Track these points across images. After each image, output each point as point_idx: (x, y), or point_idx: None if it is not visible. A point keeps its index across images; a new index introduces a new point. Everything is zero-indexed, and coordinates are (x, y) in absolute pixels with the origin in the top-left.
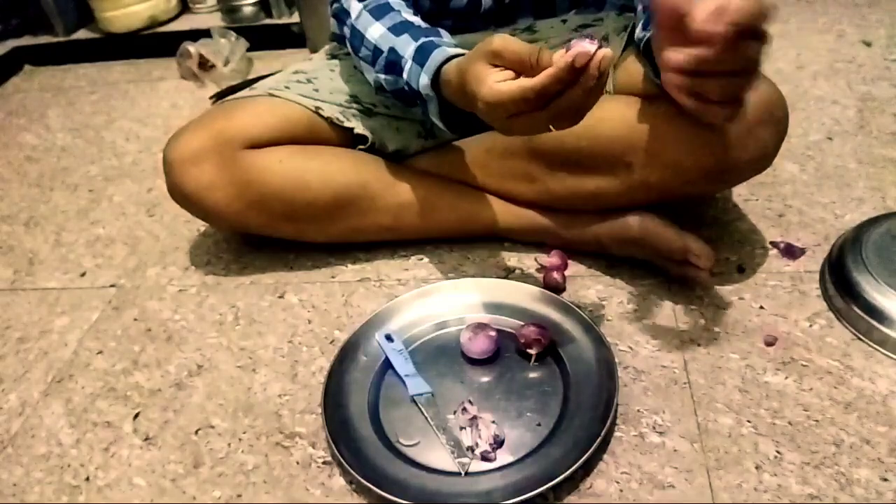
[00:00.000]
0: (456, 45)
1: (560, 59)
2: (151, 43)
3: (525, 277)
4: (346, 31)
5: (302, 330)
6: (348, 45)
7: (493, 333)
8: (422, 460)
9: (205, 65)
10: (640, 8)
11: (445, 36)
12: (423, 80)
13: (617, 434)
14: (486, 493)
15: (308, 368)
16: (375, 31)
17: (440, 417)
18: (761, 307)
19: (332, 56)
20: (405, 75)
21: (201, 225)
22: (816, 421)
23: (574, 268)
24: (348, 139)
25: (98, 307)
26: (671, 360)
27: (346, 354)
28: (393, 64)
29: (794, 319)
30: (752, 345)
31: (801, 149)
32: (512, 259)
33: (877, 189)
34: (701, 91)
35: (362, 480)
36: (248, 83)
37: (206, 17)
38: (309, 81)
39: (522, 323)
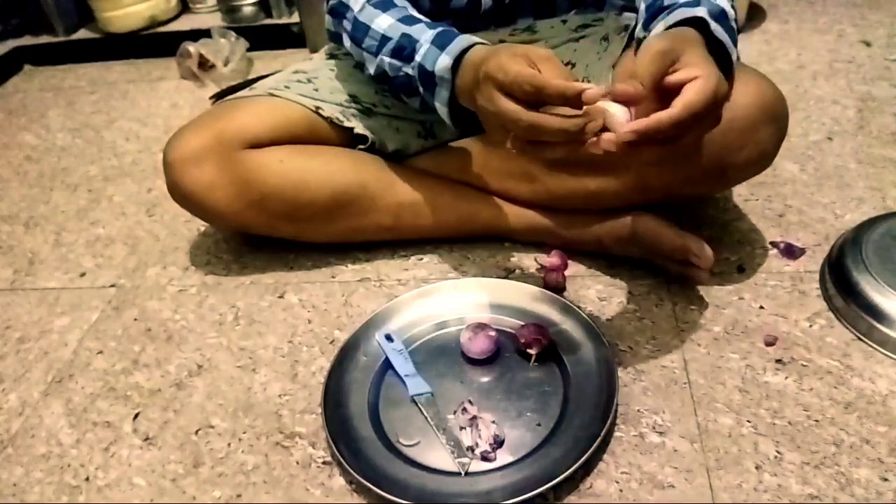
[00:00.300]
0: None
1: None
2: (151, 43)
3: (525, 277)
4: (347, 24)
5: (302, 330)
6: (347, 38)
7: (492, 333)
8: (422, 460)
9: (205, 65)
10: (642, 7)
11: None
12: (444, 61)
13: (617, 434)
14: (486, 493)
15: (308, 368)
16: (384, 22)
17: (440, 417)
18: (761, 307)
19: (332, 56)
20: (418, 57)
21: (201, 225)
22: (816, 421)
23: (574, 268)
24: (348, 139)
25: (98, 307)
26: (671, 360)
27: (346, 354)
28: (401, 49)
29: (794, 319)
30: (752, 345)
31: (801, 149)
32: (512, 259)
33: (877, 189)
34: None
35: (362, 480)
36: (248, 83)
37: (206, 17)
38: (309, 81)
39: (522, 323)
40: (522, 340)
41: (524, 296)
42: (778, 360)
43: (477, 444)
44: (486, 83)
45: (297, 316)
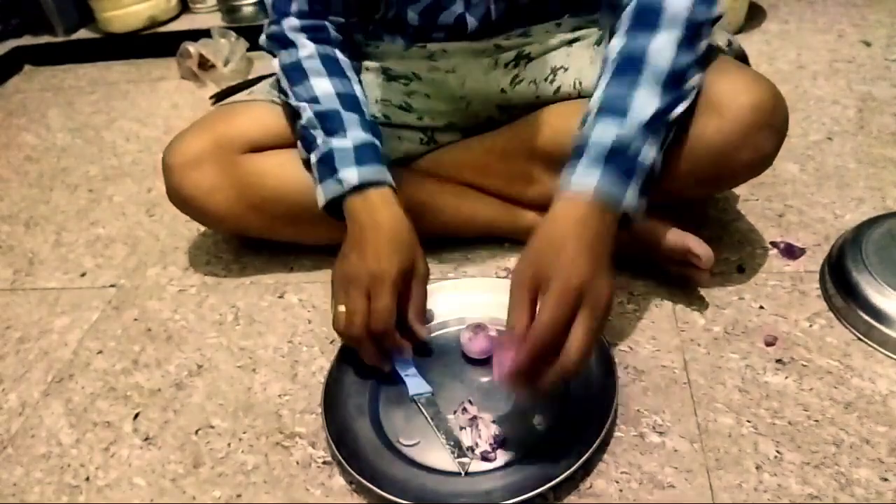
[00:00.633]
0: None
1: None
2: (151, 43)
3: None
4: (286, 58)
5: (302, 330)
6: (279, 69)
7: (493, 333)
8: (422, 460)
9: (205, 65)
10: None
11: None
12: (351, 176)
13: (617, 434)
14: (486, 493)
15: (308, 368)
16: (323, 85)
17: (440, 417)
18: (761, 307)
19: None
20: (335, 142)
21: (201, 225)
22: (816, 421)
23: None
24: None
25: (98, 307)
26: (671, 360)
27: (346, 354)
28: (326, 119)
29: (794, 319)
30: (752, 345)
31: (801, 149)
32: (512, 259)
33: (877, 189)
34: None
35: (362, 480)
36: (248, 83)
37: (206, 17)
38: None
39: None
40: None
41: None
42: (778, 360)
43: (477, 444)
44: (363, 260)
45: (297, 316)
